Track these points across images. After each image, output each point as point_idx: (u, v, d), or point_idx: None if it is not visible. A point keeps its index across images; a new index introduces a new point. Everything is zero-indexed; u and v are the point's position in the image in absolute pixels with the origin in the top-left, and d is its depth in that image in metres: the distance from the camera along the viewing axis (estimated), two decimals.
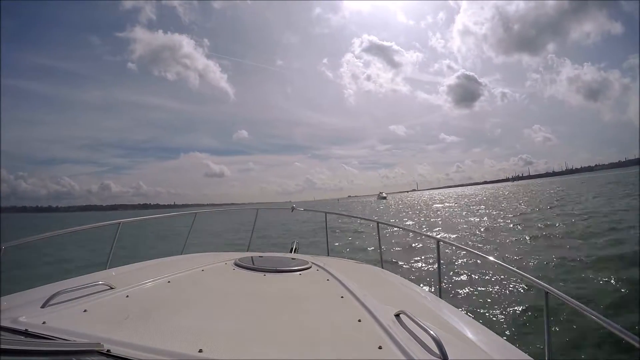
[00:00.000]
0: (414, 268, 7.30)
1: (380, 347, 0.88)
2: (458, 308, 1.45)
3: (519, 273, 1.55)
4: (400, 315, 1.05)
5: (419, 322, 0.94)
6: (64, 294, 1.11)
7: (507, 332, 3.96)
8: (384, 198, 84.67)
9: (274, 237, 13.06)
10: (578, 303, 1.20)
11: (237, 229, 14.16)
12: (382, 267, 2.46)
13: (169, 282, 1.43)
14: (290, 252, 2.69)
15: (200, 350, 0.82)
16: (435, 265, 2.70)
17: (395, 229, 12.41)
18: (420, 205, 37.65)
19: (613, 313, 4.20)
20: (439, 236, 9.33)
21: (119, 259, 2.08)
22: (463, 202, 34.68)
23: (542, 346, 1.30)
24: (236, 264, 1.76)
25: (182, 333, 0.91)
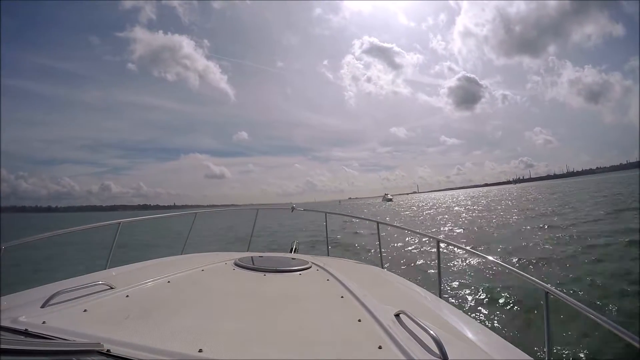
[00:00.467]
0: (414, 268, 7.30)
1: (380, 347, 0.88)
2: (458, 308, 1.45)
3: (519, 273, 1.55)
4: (400, 315, 1.05)
5: (419, 322, 0.94)
6: (64, 294, 1.11)
7: (507, 332, 3.96)
8: (390, 200, 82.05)
9: (275, 237, 13.07)
10: (578, 303, 1.20)
11: (237, 229, 14.13)
12: (382, 267, 2.46)
13: (169, 282, 1.43)
14: (290, 252, 2.69)
15: (200, 350, 0.82)
16: (435, 265, 2.70)
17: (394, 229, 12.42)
18: (440, 207, 32.74)
19: None
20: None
21: (119, 259, 2.08)
22: (482, 203, 31.50)
23: (542, 346, 1.30)
24: (236, 264, 1.76)
25: (182, 333, 0.92)
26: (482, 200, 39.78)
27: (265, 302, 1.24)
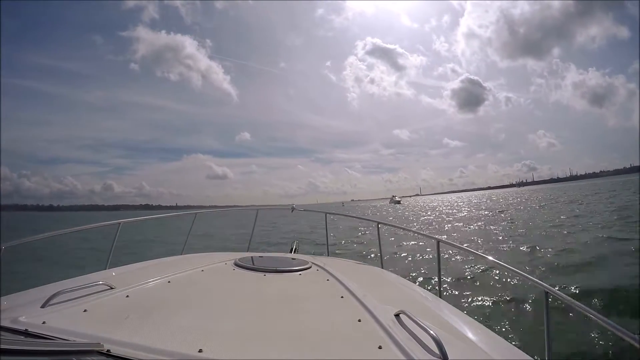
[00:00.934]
0: (414, 268, 7.31)
1: (380, 347, 0.88)
2: (458, 308, 1.45)
3: (519, 273, 1.55)
4: (400, 315, 1.05)
5: (419, 322, 0.94)
6: (64, 294, 1.11)
7: (507, 332, 3.96)
8: (398, 202, 73.52)
9: (274, 237, 13.06)
10: (578, 303, 1.20)
11: (238, 229, 14.08)
12: (382, 267, 2.47)
13: (169, 282, 1.43)
14: (290, 252, 2.69)
15: (200, 350, 0.82)
16: (435, 265, 2.70)
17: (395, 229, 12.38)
18: (461, 211, 27.14)
19: None
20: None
21: (118, 259, 2.08)
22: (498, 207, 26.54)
23: (542, 346, 1.30)
24: (236, 264, 1.76)
25: (182, 333, 0.92)
26: (508, 200, 33.12)
27: (265, 302, 1.24)
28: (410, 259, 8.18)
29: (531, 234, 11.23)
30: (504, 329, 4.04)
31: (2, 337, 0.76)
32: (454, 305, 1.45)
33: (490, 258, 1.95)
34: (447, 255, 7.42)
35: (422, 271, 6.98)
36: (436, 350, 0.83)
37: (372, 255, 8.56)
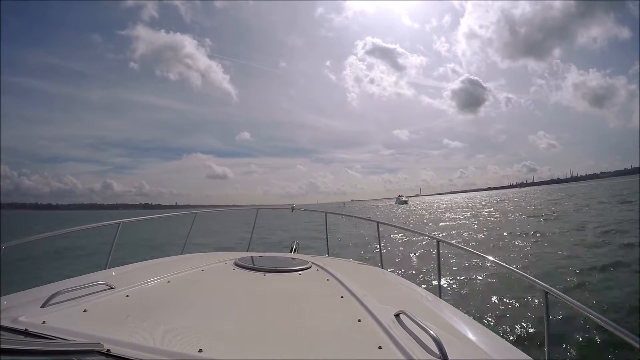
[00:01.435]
0: (414, 268, 7.31)
1: (380, 347, 0.88)
2: (458, 308, 1.45)
3: (519, 273, 1.55)
4: (400, 315, 1.05)
5: (419, 322, 0.94)
6: (64, 294, 1.11)
7: (507, 332, 3.97)
8: (405, 202, 68.15)
9: (274, 237, 13.06)
10: (578, 303, 1.20)
11: (238, 228, 14.06)
12: (382, 267, 2.47)
13: (169, 282, 1.43)
14: (290, 252, 2.69)
15: (200, 350, 0.82)
16: (435, 266, 2.70)
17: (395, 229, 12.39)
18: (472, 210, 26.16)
19: None
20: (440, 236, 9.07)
21: (118, 259, 2.08)
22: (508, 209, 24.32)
23: (542, 346, 1.30)
24: (236, 264, 1.76)
25: (182, 333, 0.92)
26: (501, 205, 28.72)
27: (265, 302, 1.24)
28: (410, 258, 8.18)
29: None
30: (503, 329, 4.04)
31: (2, 337, 0.76)
32: (454, 305, 1.45)
33: (491, 258, 1.95)
34: (447, 256, 7.42)
35: (423, 271, 6.99)
36: (436, 351, 0.82)
37: (372, 255, 8.53)
